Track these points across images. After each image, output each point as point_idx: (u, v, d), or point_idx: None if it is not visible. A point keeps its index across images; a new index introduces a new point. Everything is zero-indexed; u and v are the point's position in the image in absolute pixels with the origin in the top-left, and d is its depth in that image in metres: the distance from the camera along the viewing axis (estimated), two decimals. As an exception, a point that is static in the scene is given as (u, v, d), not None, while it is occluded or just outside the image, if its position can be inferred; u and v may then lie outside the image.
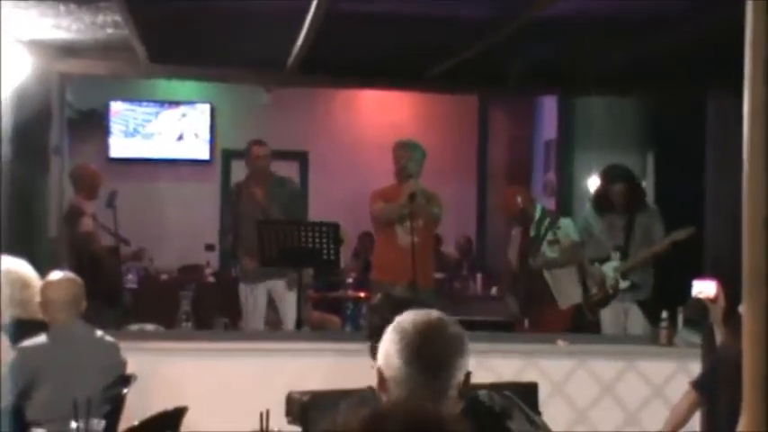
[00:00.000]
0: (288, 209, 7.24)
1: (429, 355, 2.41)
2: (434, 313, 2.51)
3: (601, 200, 7.08)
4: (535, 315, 7.26)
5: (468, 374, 2.49)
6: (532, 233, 7.28)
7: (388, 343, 2.44)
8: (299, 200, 7.45)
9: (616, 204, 6.94)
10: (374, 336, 3.26)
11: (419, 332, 2.43)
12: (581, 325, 7.59)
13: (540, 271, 7.21)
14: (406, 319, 2.48)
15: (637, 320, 6.85)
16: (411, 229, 6.60)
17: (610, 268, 6.92)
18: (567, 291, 7.25)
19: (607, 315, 7.02)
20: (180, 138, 11.09)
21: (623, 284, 6.87)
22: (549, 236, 7.19)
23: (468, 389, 2.49)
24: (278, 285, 7.14)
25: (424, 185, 7.07)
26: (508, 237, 7.86)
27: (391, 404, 1.40)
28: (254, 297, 7.23)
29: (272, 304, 7.26)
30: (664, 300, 6.67)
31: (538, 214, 7.33)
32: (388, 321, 2.99)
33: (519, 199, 7.69)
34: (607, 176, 7.15)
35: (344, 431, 1.38)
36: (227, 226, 7.70)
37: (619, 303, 6.96)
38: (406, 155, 6.97)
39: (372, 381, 3.11)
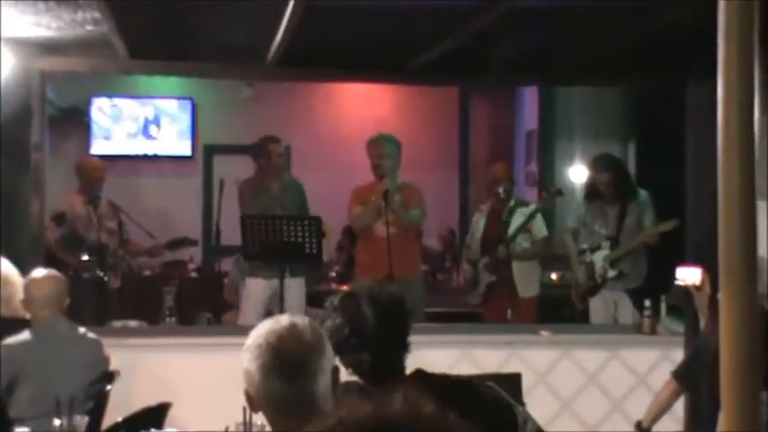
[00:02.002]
0: (301, 208, 7.18)
1: (285, 363, 2.37)
2: (284, 320, 2.46)
3: (591, 189, 7.10)
4: (498, 304, 7.17)
5: (335, 369, 2.48)
6: (504, 218, 7.23)
7: (247, 363, 2.41)
8: (305, 198, 7.37)
9: (605, 193, 6.95)
10: (334, 333, 3.25)
11: (271, 343, 2.39)
12: (564, 315, 7.62)
13: (508, 260, 7.13)
14: (259, 333, 2.44)
15: (626, 311, 6.86)
16: (386, 226, 6.60)
17: (599, 257, 6.94)
18: (529, 282, 7.25)
19: (596, 305, 7.03)
20: (161, 133, 11.05)
21: (611, 273, 6.89)
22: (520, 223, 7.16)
23: (338, 383, 2.49)
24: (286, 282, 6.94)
25: (407, 178, 7.05)
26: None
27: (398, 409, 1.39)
28: (256, 293, 7.14)
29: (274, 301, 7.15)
30: (652, 289, 6.70)
31: (512, 202, 7.31)
32: (347, 317, 2.96)
33: (496, 166, 7.68)
34: (594, 166, 7.17)
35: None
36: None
37: (609, 293, 6.97)
38: (378, 152, 6.94)
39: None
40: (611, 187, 6.92)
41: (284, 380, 2.37)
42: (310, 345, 2.41)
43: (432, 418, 1.36)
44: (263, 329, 2.45)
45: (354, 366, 2.90)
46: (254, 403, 2.44)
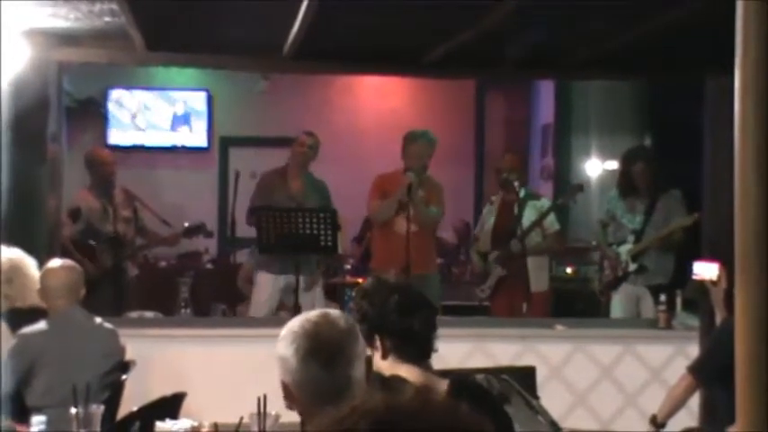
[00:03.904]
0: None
1: (323, 348, 2.40)
2: (317, 311, 2.51)
3: (623, 182, 7.07)
4: (507, 298, 7.16)
5: (368, 358, 2.50)
6: (515, 211, 7.19)
7: (283, 350, 2.44)
8: (329, 202, 7.30)
9: (638, 185, 6.93)
10: (361, 321, 3.27)
11: (307, 330, 2.43)
12: (579, 309, 7.61)
13: (521, 254, 7.09)
14: (294, 323, 2.48)
15: (648, 306, 6.82)
16: (408, 220, 6.58)
17: (624, 251, 6.93)
18: (538, 277, 7.22)
19: (618, 300, 7.01)
20: (177, 125, 11.08)
21: (632, 267, 6.87)
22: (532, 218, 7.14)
23: (370, 374, 2.51)
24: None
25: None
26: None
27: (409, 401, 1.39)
28: (265, 287, 7.14)
29: (285, 294, 7.15)
30: (668, 284, 6.68)
31: (523, 195, 7.27)
32: (376, 306, 3.00)
33: (505, 158, 7.65)
34: (627, 158, 7.14)
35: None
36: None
37: (632, 288, 6.94)
38: (419, 152, 6.86)
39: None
40: (643, 178, 6.89)
41: (322, 364, 2.40)
42: (345, 331, 2.45)
43: (443, 406, 1.37)
44: (296, 320, 2.48)
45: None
46: (289, 394, 2.44)
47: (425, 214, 6.81)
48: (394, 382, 2.91)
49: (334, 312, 2.50)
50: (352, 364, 2.42)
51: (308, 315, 2.48)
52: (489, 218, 7.41)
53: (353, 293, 3.30)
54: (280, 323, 6.90)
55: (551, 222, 7.26)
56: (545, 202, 7.39)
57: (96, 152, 7.79)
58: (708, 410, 5.56)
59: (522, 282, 6.99)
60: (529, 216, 7.15)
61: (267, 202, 7.05)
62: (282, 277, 7.03)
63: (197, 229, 7.96)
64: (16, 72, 5.65)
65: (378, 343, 3.14)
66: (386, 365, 3.06)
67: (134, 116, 10.99)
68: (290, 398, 2.45)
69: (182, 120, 11.09)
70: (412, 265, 6.38)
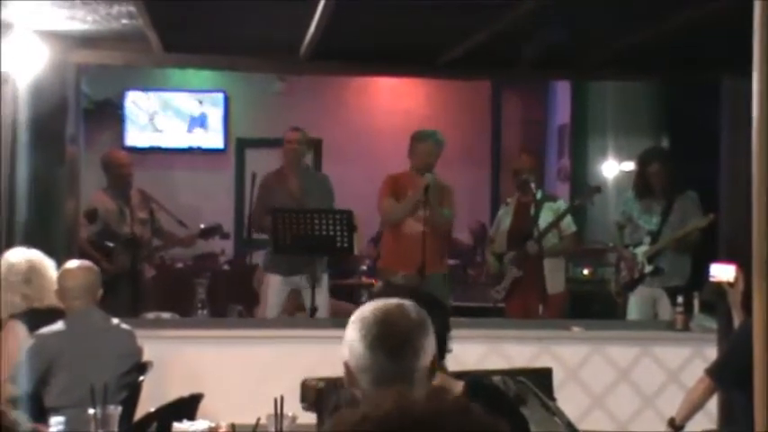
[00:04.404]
0: (324, 202, 7.10)
1: (391, 337, 2.42)
2: (394, 301, 2.51)
3: (640, 183, 7.04)
4: (522, 299, 7.13)
5: (434, 359, 2.50)
6: (531, 212, 7.18)
7: (351, 333, 2.45)
8: (332, 193, 7.29)
9: (654, 187, 6.91)
10: None
11: (378, 318, 2.44)
12: (596, 311, 7.59)
13: (537, 256, 7.07)
14: (366, 308, 2.49)
15: (665, 308, 6.79)
16: (424, 222, 6.57)
17: (640, 252, 6.91)
18: (554, 278, 7.19)
19: (634, 302, 6.99)
20: (194, 126, 11.11)
21: (648, 268, 6.85)
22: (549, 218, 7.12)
23: (434, 371, 2.51)
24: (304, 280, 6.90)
25: (439, 172, 7.02)
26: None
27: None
28: (274, 289, 7.15)
29: (295, 295, 7.16)
30: (686, 286, 6.65)
31: (539, 196, 7.26)
32: None
33: (521, 158, 7.63)
34: (643, 159, 7.12)
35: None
36: (258, 215, 7.37)
37: (648, 290, 6.92)
38: (427, 150, 6.86)
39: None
40: (659, 179, 6.88)
41: (387, 352, 2.41)
42: (416, 322, 2.46)
43: (456, 410, 1.36)
44: (369, 306, 2.50)
45: None
46: (351, 376, 2.47)
47: (440, 216, 6.79)
48: None
49: (408, 303, 2.50)
50: (418, 356, 2.43)
51: (382, 303, 2.50)
52: (505, 219, 7.38)
53: (366, 294, 3.31)
54: (296, 324, 6.95)
55: (568, 224, 7.23)
56: (561, 204, 7.37)
57: (113, 154, 7.81)
58: (726, 413, 5.54)
59: (537, 283, 6.96)
60: (545, 217, 7.13)
61: (268, 204, 7.04)
62: (291, 279, 7.05)
63: (213, 231, 7.97)
64: (35, 74, 5.68)
65: None
66: None
67: (151, 118, 11.02)
68: (351, 380, 2.47)
69: (198, 121, 11.12)
70: (420, 264, 6.38)
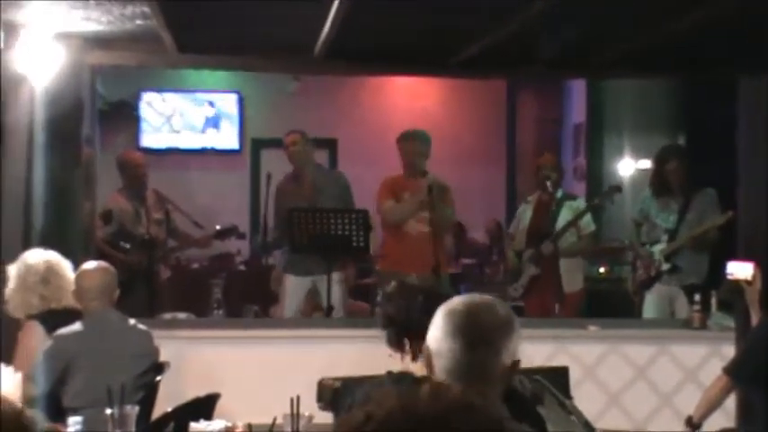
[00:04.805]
0: (341, 200, 7.08)
1: (472, 329, 2.44)
2: (487, 297, 2.55)
3: (657, 181, 7.02)
4: (539, 297, 7.11)
5: (516, 362, 2.49)
6: (551, 210, 7.16)
7: (437, 319, 2.49)
8: (350, 191, 7.29)
9: (672, 184, 6.88)
10: (388, 325, 3.26)
11: (464, 309, 2.47)
12: (612, 309, 7.56)
13: (554, 255, 7.06)
14: (458, 299, 2.53)
15: (682, 307, 6.76)
16: (431, 222, 6.57)
17: (657, 250, 6.89)
18: (572, 277, 7.18)
19: (651, 300, 6.96)
20: (209, 127, 11.13)
21: (665, 266, 6.83)
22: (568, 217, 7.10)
23: (513, 377, 2.51)
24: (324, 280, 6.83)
25: (455, 171, 6.99)
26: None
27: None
28: (290, 289, 7.16)
29: (312, 295, 7.16)
30: (703, 284, 6.62)
31: (559, 195, 7.25)
32: (402, 309, 3.01)
33: (544, 156, 7.62)
34: (660, 156, 7.09)
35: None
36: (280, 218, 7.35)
37: (665, 288, 6.89)
38: (414, 149, 6.86)
39: (394, 368, 3.11)
40: (677, 176, 6.84)
41: (464, 343, 2.43)
42: (502, 319, 2.49)
43: (459, 406, 1.36)
44: (462, 297, 2.53)
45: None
46: (429, 360, 2.50)
47: (443, 216, 6.77)
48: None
49: (499, 302, 2.54)
50: (496, 354, 2.44)
51: (475, 297, 2.53)
52: (525, 216, 7.38)
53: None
54: (312, 325, 6.96)
55: (587, 223, 7.21)
56: (581, 203, 7.36)
57: (128, 155, 7.83)
58: (744, 411, 5.52)
59: (554, 282, 6.96)
60: (565, 216, 7.12)
61: (284, 207, 7.05)
62: (309, 279, 7.05)
63: (228, 232, 7.98)
64: (50, 76, 5.70)
65: (407, 347, 3.14)
66: (417, 367, 3.06)
67: (167, 118, 11.05)
68: (429, 364, 2.50)
69: (213, 122, 11.14)
70: (423, 265, 6.37)
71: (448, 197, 6.92)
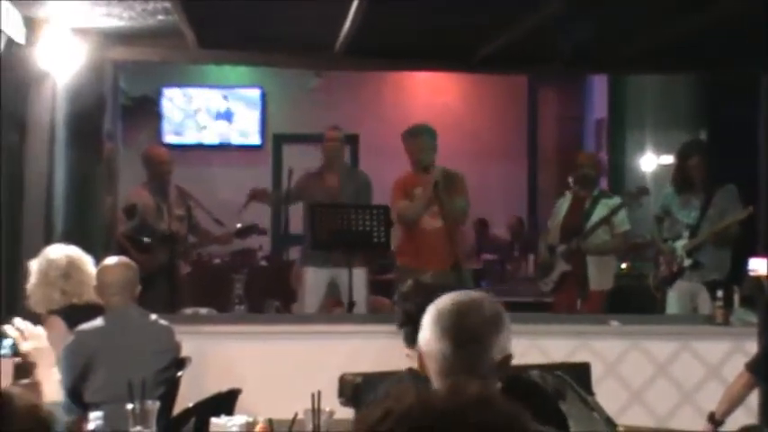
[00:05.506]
0: (357, 199, 7.13)
1: (460, 328, 2.45)
2: (474, 293, 2.56)
3: (679, 177, 6.98)
4: (569, 293, 7.10)
5: (507, 357, 2.49)
6: (586, 207, 7.15)
7: (427, 319, 2.50)
8: (369, 190, 7.33)
9: (693, 180, 6.85)
10: (406, 323, 3.26)
11: (452, 308, 2.48)
12: (635, 306, 7.53)
13: (583, 252, 7.05)
14: (446, 298, 2.53)
15: (704, 303, 6.72)
16: (441, 217, 6.55)
17: (679, 246, 6.86)
18: (603, 275, 7.15)
19: (673, 296, 6.93)
20: (231, 123, 11.16)
21: (687, 262, 6.80)
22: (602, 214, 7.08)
23: (508, 371, 2.50)
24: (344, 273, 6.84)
25: (475, 167, 6.97)
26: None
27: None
28: (310, 282, 7.17)
29: (332, 289, 7.18)
30: (725, 280, 6.59)
31: (596, 192, 7.24)
32: (420, 307, 3.01)
33: (581, 156, 7.62)
34: (682, 152, 7.06)
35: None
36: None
37: (687, 284, 6.85)
38: (420, 145, 6.84)
39: (414, 365, 3.11)
40: (699, 172, 6.81)
41: (455, 344, 2.44)
42: (488, 317, 2.49)
43: (476, 401, 1.36)
44: (449, 296, 2.54)
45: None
46: (423, 361, 2.53)
47: (453, 209, 6.73)
48: None
49: (485, 298, 2.54)
50: (487, 351, 2.45)
51: (461, 295, 2.54)
52: (561, 210, 7.36)
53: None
54: (333, 320, 6.96)
55: (622, 221, 7.17)
56: (617, 201, 7.29)
57: (153, 150, 7.85)
58: (767, 408, 5.48)
59: (581, 278, 6.98)
60: (599, 213, 7.11)
61: (302, 200, 7.09)
62: (327, 271, 7.06)
63: (249, 230, 7.99)
64: (73, 72, 5.72)
65: None
66: None
67: (189, 114, 11.08)
68: (423, 366, 2.54)
69: (234, 117, 11.17)
70: (439, 261, 6.34)
71: (460, 186, 6.85)
